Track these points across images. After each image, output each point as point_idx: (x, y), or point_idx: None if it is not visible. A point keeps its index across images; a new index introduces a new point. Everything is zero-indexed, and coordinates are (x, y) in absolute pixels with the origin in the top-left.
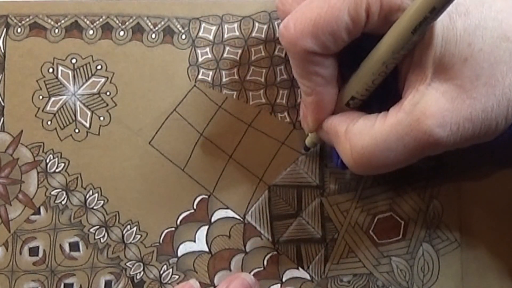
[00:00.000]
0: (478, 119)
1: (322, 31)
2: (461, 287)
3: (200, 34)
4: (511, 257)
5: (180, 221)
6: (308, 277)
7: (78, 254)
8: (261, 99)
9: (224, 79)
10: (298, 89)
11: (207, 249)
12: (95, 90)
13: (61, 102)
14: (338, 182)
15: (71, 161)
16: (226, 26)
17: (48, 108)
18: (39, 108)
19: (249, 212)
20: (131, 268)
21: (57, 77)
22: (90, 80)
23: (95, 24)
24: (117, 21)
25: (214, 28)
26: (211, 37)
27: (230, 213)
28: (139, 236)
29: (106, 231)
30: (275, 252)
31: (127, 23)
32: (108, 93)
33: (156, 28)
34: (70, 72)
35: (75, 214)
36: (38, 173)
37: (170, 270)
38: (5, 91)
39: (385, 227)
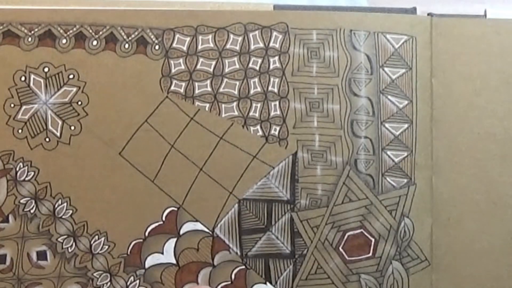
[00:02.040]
0: None
1: None
2: None
3: (174, 45)
4: (482, 278)
5: (149, 233)
6: None
7: (45, 263)
8: (234, 112)
9: (196, 91)
10: (272, 102)
11: (174, 262)
12: (66, 99)
13: (32, 110)
14: (309, 198)
15: (41, 170)
16: (200, 37)
17: (19, 116)
18: (10, 116)
19: (218, 226)
20: (98, 279)
21: (29, 86)
22: (62, 89)
23: (68, 33)
24: (90, 31)
25: (188, 39)
26: (184, 48)
27: (199, 226)
28: (107, 247)
29: (74, 240)
30: (243, 267)
31: (100, 33)
32: (79, 103)
33: (130, 38)
34: (42, 80)
35: (44, 223)
36: (7, 181)
37: (137, 281)
38: None
39: (355, 244)
